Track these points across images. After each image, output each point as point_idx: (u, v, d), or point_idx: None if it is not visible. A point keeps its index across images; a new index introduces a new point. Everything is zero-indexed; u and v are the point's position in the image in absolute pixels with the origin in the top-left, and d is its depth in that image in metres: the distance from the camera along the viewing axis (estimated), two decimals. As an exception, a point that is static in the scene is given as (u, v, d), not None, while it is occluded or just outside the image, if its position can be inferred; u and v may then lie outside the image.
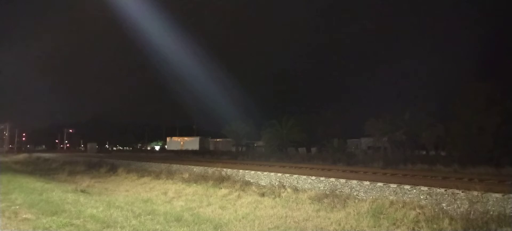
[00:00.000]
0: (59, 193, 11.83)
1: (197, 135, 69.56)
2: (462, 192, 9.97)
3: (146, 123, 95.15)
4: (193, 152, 54.46)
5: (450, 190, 10.40)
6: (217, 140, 65.73)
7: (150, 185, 16.59)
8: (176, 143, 67.24)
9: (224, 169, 17.36)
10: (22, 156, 43.66)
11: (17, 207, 8.94)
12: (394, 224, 8.18)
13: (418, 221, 8.06)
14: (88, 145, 72.59)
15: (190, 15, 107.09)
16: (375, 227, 8.11)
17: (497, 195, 9.36)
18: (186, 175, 17.51)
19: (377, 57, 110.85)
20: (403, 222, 8.15)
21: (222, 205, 11.20)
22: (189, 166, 21.07)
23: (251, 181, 15.53)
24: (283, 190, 12.64)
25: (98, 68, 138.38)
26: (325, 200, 10.74)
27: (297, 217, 9.22)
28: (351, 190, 12.32)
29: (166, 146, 73.53)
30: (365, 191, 12.02)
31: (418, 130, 33.20)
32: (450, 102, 29.18)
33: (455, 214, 8.43)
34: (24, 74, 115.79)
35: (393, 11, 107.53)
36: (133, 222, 7.80)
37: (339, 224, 8.38)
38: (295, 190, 12.70)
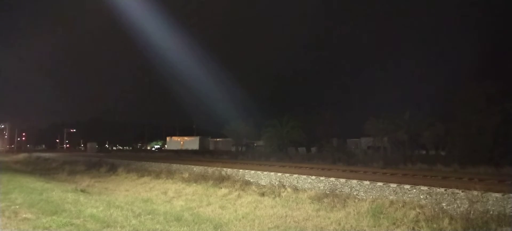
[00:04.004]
0: (59, 192, 11.83)
1: (197, 135, 69.52)
2: (462, 191, 9.97)
3: (146, 123, 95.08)
4: (193, 152, 54.42)
5: (450, 189, 10.39)
6: (217, 139, 65.69)
7: (150, 184, 16.61)
8: (176, 142, 67.20)
9: (224, 169, 17.36)
10: (22, 156, 43.64)
11: (17, 206, 8.94)
12: (394, 223, 8.19)
13: (418, 221, 8.06)
14: (88, 145, 72.57)
15: (190, 15, 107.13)
16: (375, 227, 8.11)
17: (497, 194, 9.36)
18: (186, 175, 17.52)
19: (377, 57, 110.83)
20: (403, 222, 8.16)
21: (222, 204, 11.20)
22: (189, 166, 21.06)
23: (251, 180, 15.53)
24: (283, 190, 12.64)
25: (98, 68, 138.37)
26: (325, 200, 10.74)
27: (297, 216, 9.22)
28: (351, 190, 12.32)
29: (165, 146, 73.49)
30: (365, 191, 12.01)
31: (418, 130, 33.21)
32: (450, 102, 29.18)
33: (455, 213, 8.44)
34: (24, 74, 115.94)
35: (393, 11, 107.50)
36: (133, 221, 7.80)
37: (339, 224, 8.38)
38: (295, 189, 12.71)
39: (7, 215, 7.76)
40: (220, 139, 64.09)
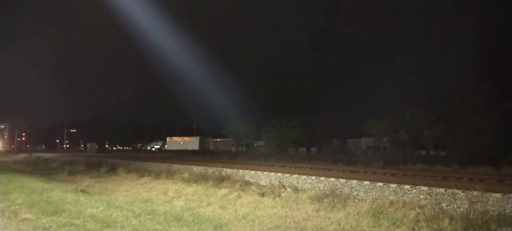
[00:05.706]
0: (59, 193, 11.83)
1: (197, 135, 69.53)
2: (462, 192, 9.96)
3: (146, 123, 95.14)
4: (193, 152, 54.43)
5: (450, 190, 10.38)
6: (217, 140, 65.71)
7: (150, 185, 16.61)
8: (176, 142, 67.20)
9: (224, 169, 17.35)
10: (22, 156, 43.63)
11: (17, 206, 8.95)
12: (394, 224, 8.19)
13: (418, 221, 8.06)
14: (88, 145, 72.57)
15: (190, 15, 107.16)
16: (375, 227, 8.11)
17: (497, 195, 9.35)
18: (186, 175, 17.51)
19: (377, 57, 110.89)
20: (403, 222, 8.15)
21: (222, 205, 11.20)
22: (189, 166, 21.05)
23: (251, 180, 15.52)
24: (283, 190, 12.64)
25: (98, 68, 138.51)
26: (325, 200, 10.74)
27: (297, 217, 9.22)
28: (351, 190, 12.31)
29: (165, 146, 73.52)
30: (365, 191, 12.01)
31: (418, 130, 33.21)
32: (450, 102, 29.21)
33: (455, 214, 8.43)
34: (24, 74, 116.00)
35: (393, 11, 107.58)
36: (133, 222, 7.81)
37: (339, 224, 8.39)
38: (295, 189, 12.71)
39: (7, 215, 7.77)
40: (220, 139, 64.11)
